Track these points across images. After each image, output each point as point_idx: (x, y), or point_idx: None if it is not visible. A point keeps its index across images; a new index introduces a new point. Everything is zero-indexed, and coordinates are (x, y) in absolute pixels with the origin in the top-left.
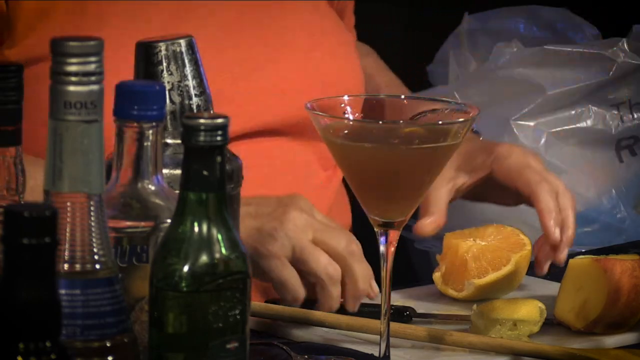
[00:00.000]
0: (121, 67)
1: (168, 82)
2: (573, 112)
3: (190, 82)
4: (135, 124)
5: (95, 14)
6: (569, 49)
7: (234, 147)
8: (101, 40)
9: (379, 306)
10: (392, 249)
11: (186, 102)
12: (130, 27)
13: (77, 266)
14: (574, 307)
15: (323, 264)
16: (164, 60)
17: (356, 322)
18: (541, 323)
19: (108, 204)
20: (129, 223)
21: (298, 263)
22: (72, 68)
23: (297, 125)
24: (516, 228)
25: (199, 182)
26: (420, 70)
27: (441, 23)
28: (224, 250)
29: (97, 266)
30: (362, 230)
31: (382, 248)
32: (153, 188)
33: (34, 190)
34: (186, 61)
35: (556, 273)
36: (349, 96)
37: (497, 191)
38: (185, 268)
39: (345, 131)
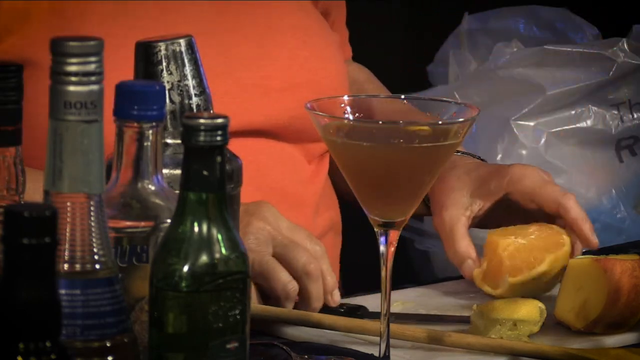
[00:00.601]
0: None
1: (168, 82)
2: (573, 112)
3: (190, 82)
4: (135, 124)
5: (75, 14)
6: (569, 49)
7: None
8: (101, 40)
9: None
10: (392, 249)
11: (186, 101)
12: (113, 27)
13: (77, 266)
14: (574, 307)
15: (282, 283)
16: (163, 60)
17: (354, 323)
18: (541, 323)
19: (108, 204)
20: (129, 223)
21: (257, 277)
22: (72, 68)
23: (282, 125)
24: (560, 228)
25: (199, 182)
26: (420, 70)
27: (441, 23)
28: (224, 250)
29: (97, 266)
30: (362, 230)
31: (382, 248)
32: (153, 188)
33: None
34: (186, 61)
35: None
36: (349, 96)
37: (514, 213)
38: (185, 268)
39: (345, 131)
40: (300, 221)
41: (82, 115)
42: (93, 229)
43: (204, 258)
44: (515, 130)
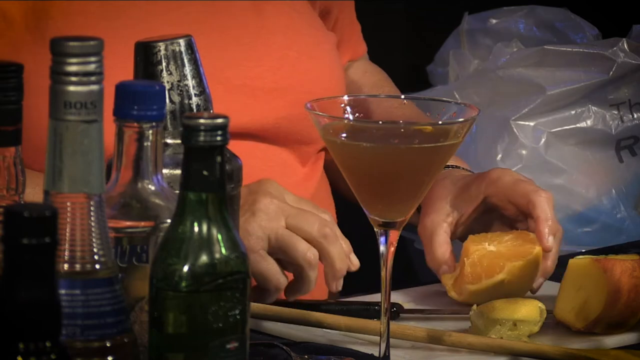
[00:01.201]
0: None
1: (167, 82)
2: (573, 112)
3: (190, 82)
4: (135, 124)
5: (60, 15)
6: (569, 49)
7: None
8: (101, 40)
9: (370, 304)
10: (392, 249)
11: (186, 101)
12: (97, 28)
13: (77, 266)
14: (574, 307)
15: (301, 251)
16: (163, 60)
17: (355, 323)
18: (541, 323)
19: (108, 204)
20: (129, 223)
21: (276, 251)
22: (72, 68)
23: (269, 127)
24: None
25: (199, 182)
26: (420, 70)
27: (441, 23)
28: (224, 250)
29: (97, 266)
30: (361, 230)
31: (382, 248)
32: (153, 188)
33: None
34: (185, 61)
35: (556, 273)
36: (349, 96)
37: (496, 219)
38: (185, 268)
39: (345, 131)
40: None
41: (82, 115)
42: (93, 229)
43: (204, 258)
44: (515, 130)
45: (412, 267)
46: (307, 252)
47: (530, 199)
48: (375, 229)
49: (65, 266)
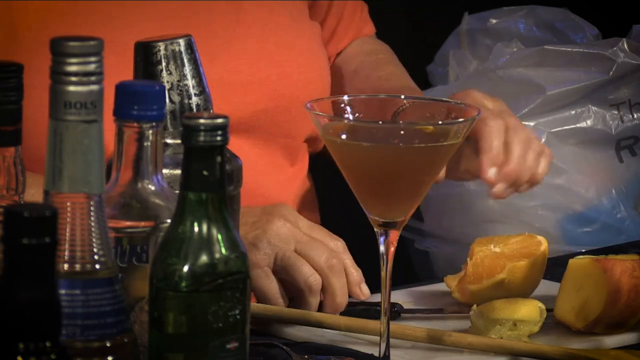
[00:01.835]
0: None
1: (167, 82)
2: (573, 112)
3: (190, 82)
4: (135, 124)
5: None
6: (569, 49)
7: None
8: (101, 40)
9: (370, 304)
10: (392, 249)
11: (185, 101)
12: (73, 26)
13: (77, 266)
14: (574, 307)
15: (304, 274)
16: (163, 60)
17: (355, 323)
18: (541, 323)
19: (108, 204)
20: (129, 223)
21: (280, 271)
22: (72, 68)
23: (248, 120)
24: (545, 239)
25: (199, 182)
26: (420, 70)
27: (441, 23)
28: (224, 250)
29: (97, 266)
30: (361, 230)
31: (382, 248)
32: (153, 188)
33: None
34: (185, 60)
35: (556, 273)
36: (349, 96)
37: (466, 153)
38: (185, 268)
39: (345, 131)
40: None
41: (82, 115)
42: (93, 229)
43: (204, 258)
44: None
45: (412, 267)
46: (310, 277)
47: (479, 129)
48: (375, 229)
49: (65, 266)
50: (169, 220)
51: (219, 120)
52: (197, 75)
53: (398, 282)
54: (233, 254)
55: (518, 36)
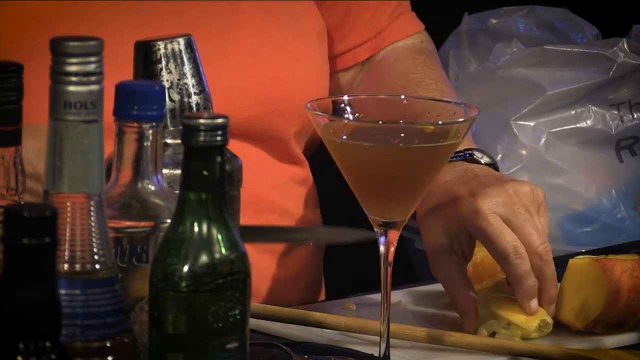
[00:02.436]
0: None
1: (167, 81)
2: (573, 112)
3: (190, 81)
4: (135, 124)
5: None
6: (569, 49)
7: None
8: (101, 40)
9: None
10: (392, 249)
11: (185, 100)
12: (61, 27)
13: (77, 266)
14: (574, 307)
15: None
16: (162, 59)
17: (355, 323)
18: (539, 334)
19: (108, 204)
20: (129, 223)
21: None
22: (72, 68)
23: (239, 126)
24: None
25: (199, 182)
26: None
27: (441, 23)
28: (224, 250)
29: (97, 266)
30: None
31: (382, 248)
32: (153, 188)
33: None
34: (185, 59)
35: (556, 273)
36: (349, 96)
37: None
38: (185, 268)
39: (345, 131)
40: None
41: (82, 115)
42: (93, 229)
43: (204, 258)
44: (515, 130)
45: (412, 267)
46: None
47: (497, 252)
48: (375, 229)
49: (65, 266)
50: (169, 220)
51: (219, 120)
52: (197, 74)
53: (398, 282)
54: (233, 254)
55: (518, 36)
